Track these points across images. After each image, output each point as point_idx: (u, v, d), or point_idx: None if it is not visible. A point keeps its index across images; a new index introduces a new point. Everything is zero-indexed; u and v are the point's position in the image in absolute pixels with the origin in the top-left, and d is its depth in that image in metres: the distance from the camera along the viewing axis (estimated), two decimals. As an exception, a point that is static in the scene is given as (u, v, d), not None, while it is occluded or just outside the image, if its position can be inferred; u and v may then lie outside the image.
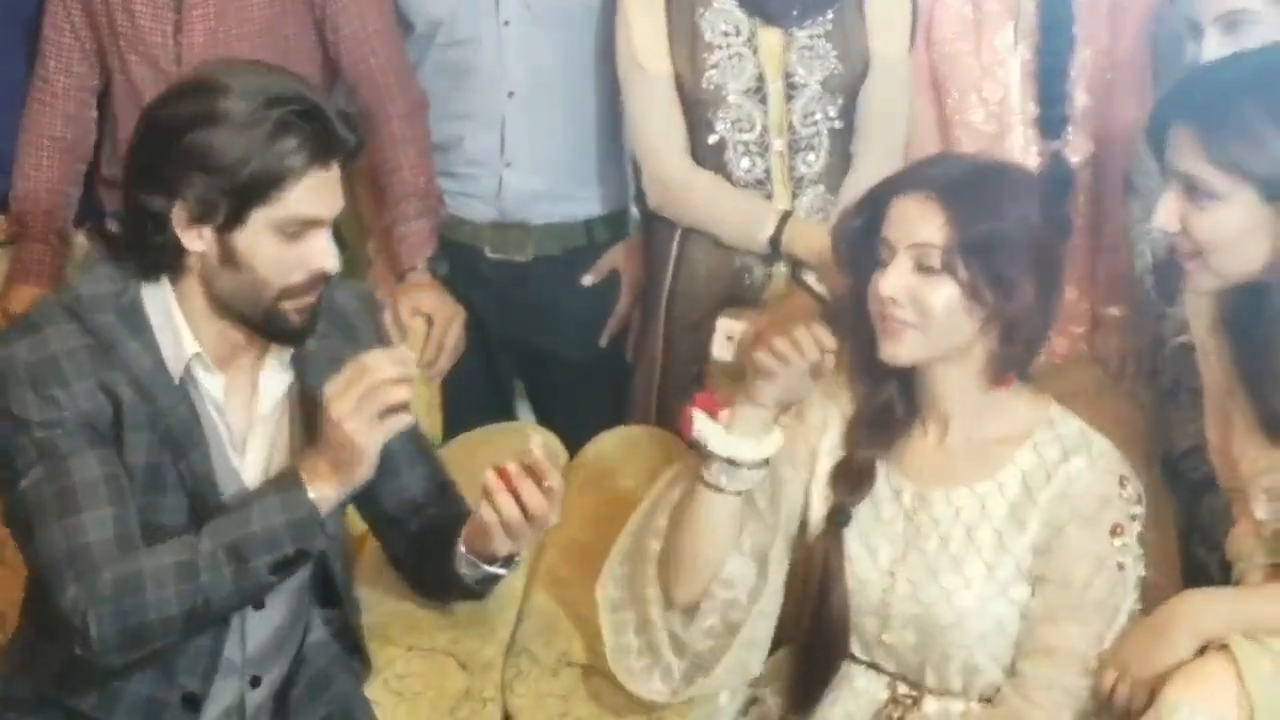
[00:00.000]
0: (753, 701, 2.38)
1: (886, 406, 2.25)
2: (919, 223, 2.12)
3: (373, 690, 2.35)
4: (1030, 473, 2.19)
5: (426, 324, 2.88)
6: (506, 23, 2.94)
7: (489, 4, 2.94)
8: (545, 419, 3.10)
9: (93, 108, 2.93)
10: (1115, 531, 2.16)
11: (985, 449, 2.23)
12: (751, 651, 2.28)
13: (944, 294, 2.11)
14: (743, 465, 2.19)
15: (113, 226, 2.16)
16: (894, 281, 2.12)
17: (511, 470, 2.06)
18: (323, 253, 2.08)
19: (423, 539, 2.24)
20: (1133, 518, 2.18)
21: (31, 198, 2.91)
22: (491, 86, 2.97)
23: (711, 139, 2.81)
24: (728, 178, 2.82)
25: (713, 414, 2.18)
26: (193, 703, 2.16)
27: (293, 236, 2.05)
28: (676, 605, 2.28)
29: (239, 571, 2.02)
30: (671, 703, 2.32)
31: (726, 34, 2.79)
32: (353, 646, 2.32)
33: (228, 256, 2.05)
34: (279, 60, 2.79)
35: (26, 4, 2.91)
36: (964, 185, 2.15)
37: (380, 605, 2.39)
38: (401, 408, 2.02)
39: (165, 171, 2.03)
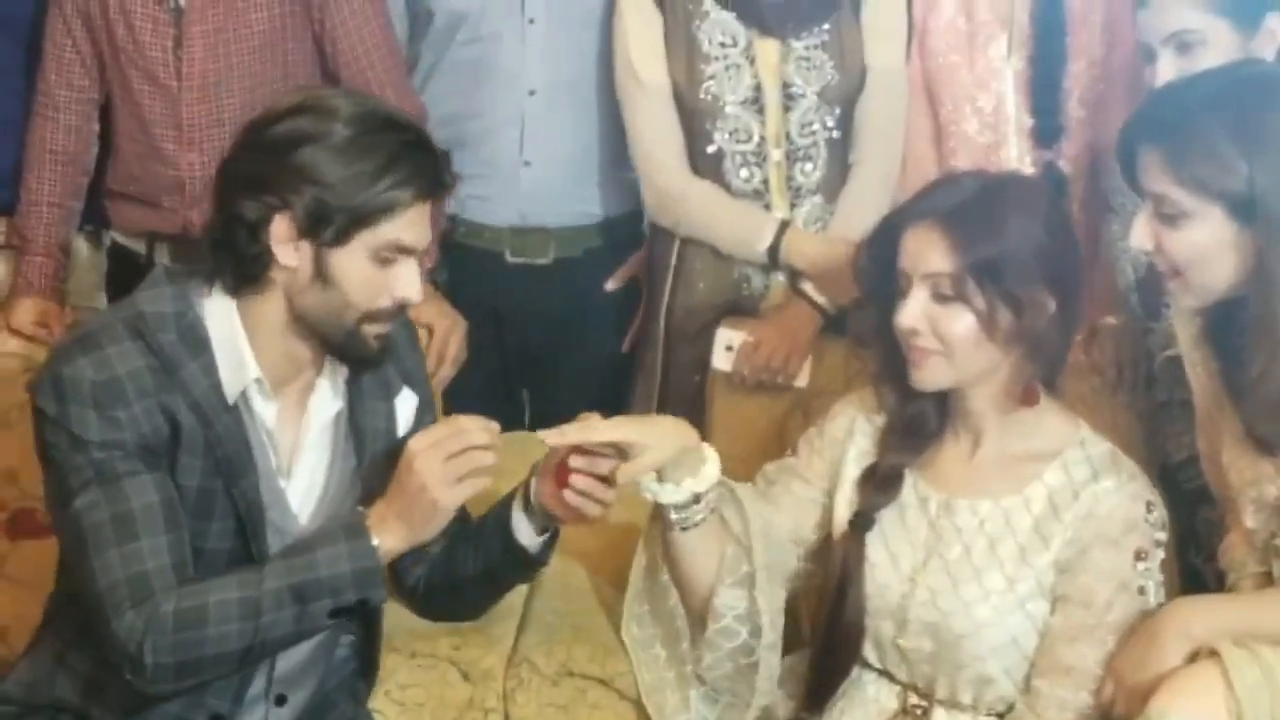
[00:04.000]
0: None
1: (919, 418, 2.27)
2: (928, 253, 2.14)
3: (375, 700, 2.36)
4: (1058, 490, 2.20)
5: (428, 334, 2.83)
6: (531, 20, 2.96)
7: (515, 3, 2.95)
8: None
9: (94, 121, 2.95)
10: (1139, 555, 2.16)
11: (1015, 464, 2.24)
12: (770, 684, 2.28)
13: (962, 322, 2.13)
14: (683, 505, 2.19)
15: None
16: (912, 313, 2.15)
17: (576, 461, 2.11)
18: (410, 282, 2.10)
19: (434, 567, 2.24)
20: (1157, 543, 2.19)
21: (34, 211, 2.93)
22: (512, 84, 2.98)
23: (710, 149, 2.84)
24: (726, 188, 2.85)
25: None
26: None
27: (385, 262, 2.07)
28: (696, 617, 2.29)
29: (300, 614, 2.03)
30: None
31: (724, 45, 2.82)
32: (368, 665, 2.32)
33: (320, 273, 2.06)
34: (279, 73, 2.89)
35: (26, 20, 2.93)
36: (965, 209, 2.16)
37: (385, 614, 2.35)
38: (484, 473, 2.05)
39: (273, 183, 2.04)
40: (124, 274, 2.97)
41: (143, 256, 2.97)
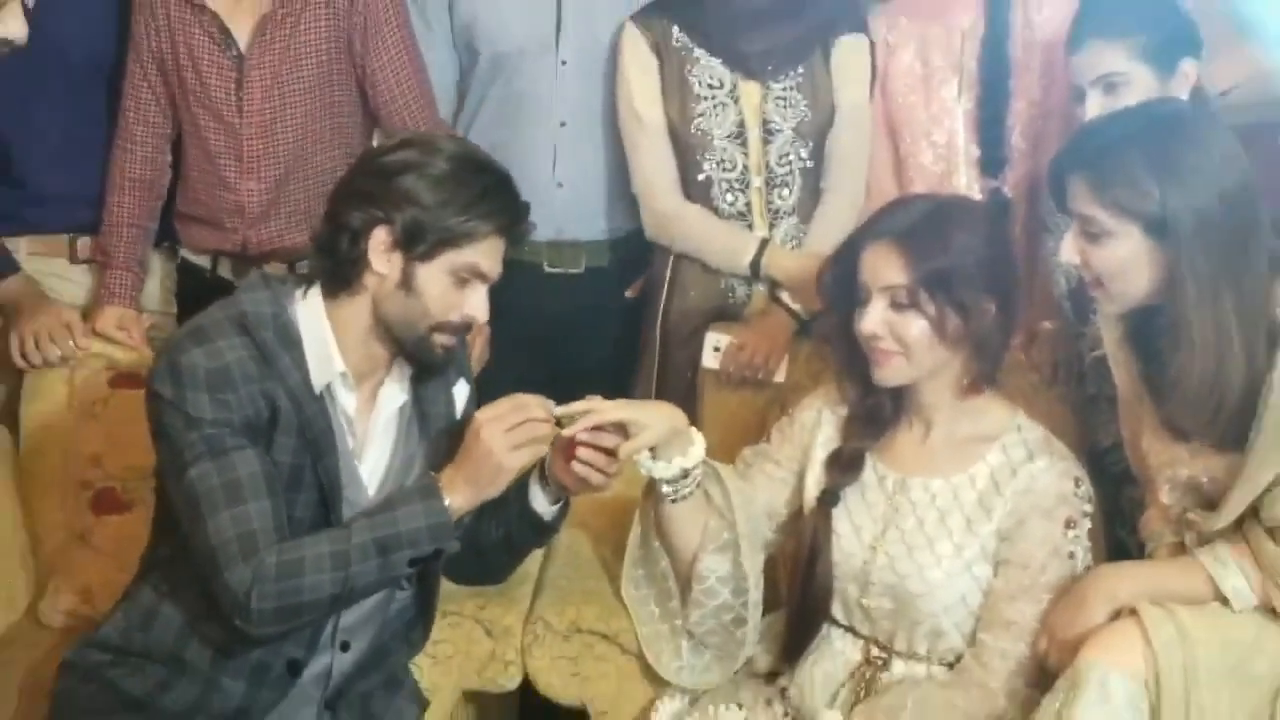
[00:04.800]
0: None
1: (877, 407, 2.27)
2: (885, 268, 2.15)
3: (410, 655, 2.38)
4: (998, 469, 2.21)
5: None
6: (564, 62, 2.95)
7: (550, 45, 2.94)
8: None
9: (167, 153, 2.94)
10: (1069, 525, 2.17)
11: (961, 446, 2.24)
12: (750, 638, 2.30)
13: (917, 326, 2.14)
14: (674, 480, 2.20)
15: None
16: (873, 320, 2.15)
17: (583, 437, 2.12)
18: (479, 305, 2.12)
19: (463, 537, 2.20)
20: (1084, 514, 2.19)
21: (115, 231, 2.93)
22: (546, 117, 2.97)
23: (700, 177, 2.84)
24: (714, 210, 2.85)
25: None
26: (294, 668, 2.17)
27: (461, 282, 2.09)
28: (684, 580, 2.30)
29: (383, 564, 2.04)
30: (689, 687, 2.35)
31: (712, 87, 2.82)
32: (424, 617, 2.33)
33: (406, 283, 2.08)
34: (326, 112, 2.90)
35: (109, 65, 2.93)
36: (917, 229, 2.16)
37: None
38: (541, 442, 2.08)
39: (379, 200, 2.07)
40: (191, 285, 2.99)
41: (207, 270, 2.98)
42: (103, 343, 2.82)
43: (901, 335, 2.16)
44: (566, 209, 2.98)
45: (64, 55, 2.83)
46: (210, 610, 2.10)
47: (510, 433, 2.05)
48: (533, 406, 2.08)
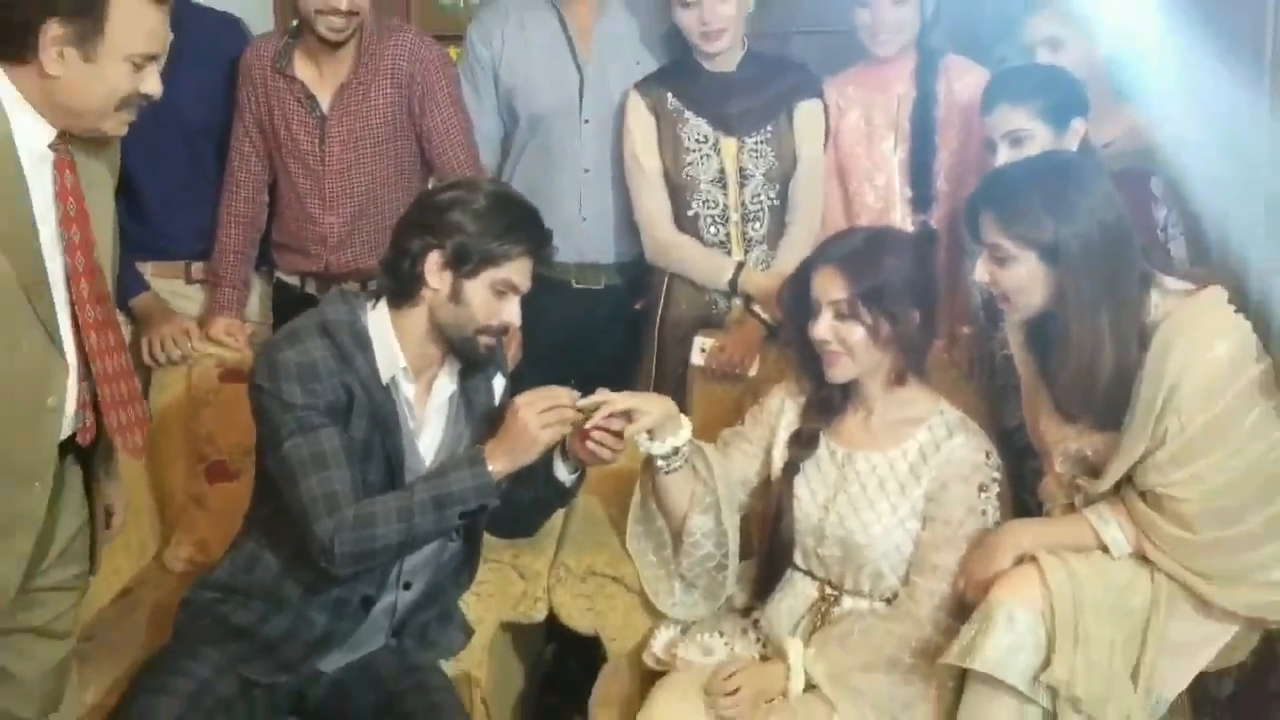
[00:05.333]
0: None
1: (828, 397, 2.27)
2: (830, 286, 2.16)
3: (460, 592, 2.38)
4: (925, 444, 2.21)
5: None
6: (587, 120, 2.94)
7: (574, 108, 2.93)
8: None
9: (264, 194, 2.94)
10: (981, 488, 2.18)
11: (896, 427, 2.23)
12: (731, 580, 2.31)
13: (857, 332, 2.15)
14: (667, 455, 2.22)
15: None
16: (822, 328, 2.16)
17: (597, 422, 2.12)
18: (514, 312, 2.12)
19: (502, 500, 2.19)
20: (994, 480, 2.19)
21: (223, 257, 2.93)
22: (573, 165, 2.95)
23: (689, 213, 2.84)
24: (700, 239, 2.84)
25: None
26: (367, 603, 2.18)
27: (499, 295, 2.10)
28: (676, 534, 2.30)
29: (439, 517, 2.05)
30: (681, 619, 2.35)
31: (698, 141, 2.82)
32: (470, 563, 2.32)
33: (455, 295, 2.09)
34: (392, 160, 2.89)
35: (218, 126, 2.92)
36: (855, 254, 2.17)
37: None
38: (565, 423, 2.09)
39: (433, 230, 2.08)
40: (284, 299, 2.99)
41: (297, 288, 2.98)
42: (214, 346, 2.83)
43: (845, 340, 2.16)
44: (590, 238, 2.96)
45: (182, 117, 2.82)
46: (300, 556, 2.11)
47: (542, 414, 2.06)
48: (561, 395, 2.10)
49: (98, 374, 1.96)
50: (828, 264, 2.18)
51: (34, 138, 1.86)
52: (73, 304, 1.92)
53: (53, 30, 1.80)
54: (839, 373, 2.20)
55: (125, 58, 1.85)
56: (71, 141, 1.93)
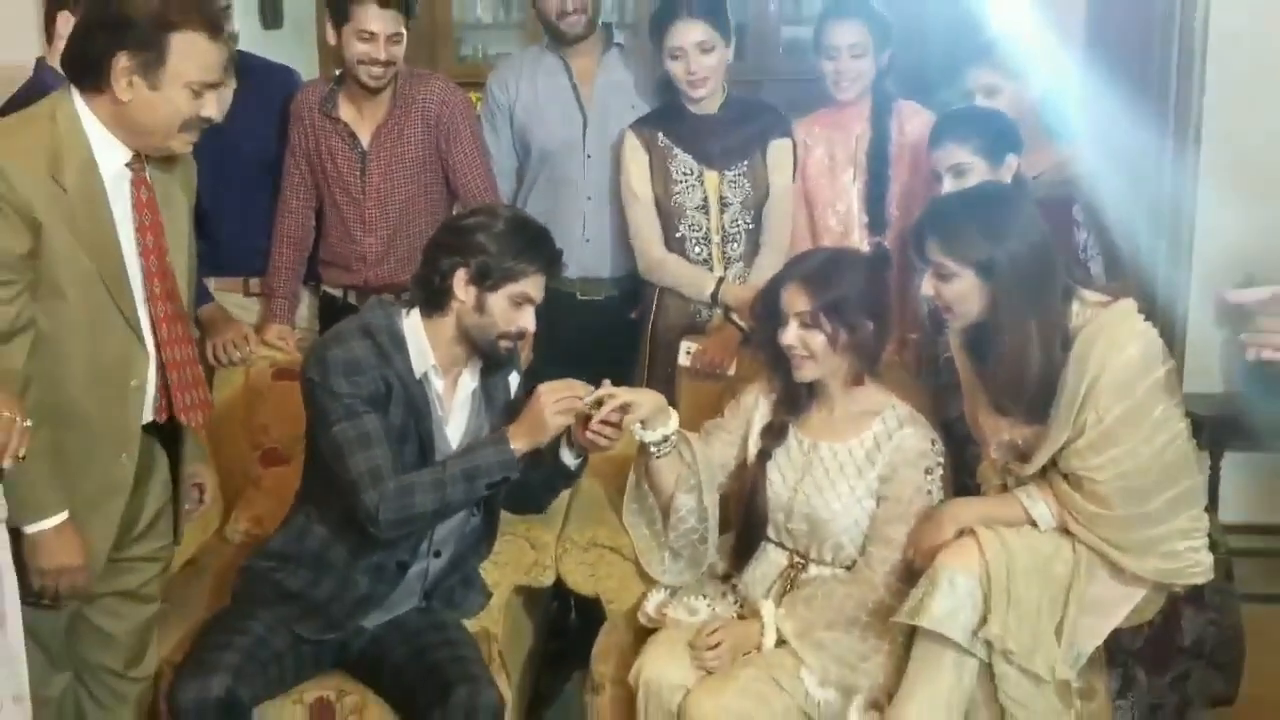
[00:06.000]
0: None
1: (795, 394, 2.27)
2: (796, 300, 2.17)
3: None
4: (879, 434, 2.21)
5: None
6: (589, 156, 2.93)
7: (578, 145, 2.93)
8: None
9: (312, 218, 2.94)
10: (928, 471, 2.19)
11: (853, 420, 2.23)
12: (711, 551, 2.31)
13: (819, 339, 2.16)
14: (658, 443, 2.22)
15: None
16: (790, 336, 2.17)
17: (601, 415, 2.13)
18: (529, 320, 2.13)
19: (517, 480, 2.20)
20: (939, 464, 2.20)
21: (277, 273, 2.94)
22: (577, 194, 2.94)
23: (677, 235, 2.83)
24: (686, 258, 2.83)
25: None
26: (402, 568, 2.18)
27: (517, 305, 2.11)
28: (664, 511, 2.29)
29: (469, 488, 2.07)
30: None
31: (685, 174, 2.81)
32: (489, 535, 2.32)
33: (479, 306, 2.10)
34: (422, 190, 2.88)
35: (273, 159, 2.93)
36: (818, 271, 2.19)
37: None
38: (574, 411, 2.10)
39: (459, 250, 2.09)
40: (329, 309, 2.99)
41: (340, 299, 2.97)
42: (268, 349, 2.84)
43: (809, 345, 2.17)
44: (592, 257, 2.96)
45: (240, 151, 2.83)
46: (345, 528, 2.12)
47: (557, 402, 2.07)
48: (577, 387, 2.11)
49: (168, 361, 2.01)
50: (793, 280, 2.19)
51: (112, 159, 1.93)
52: (148, 300, 1.97)
53: (122, 62, 1.86)
54: (804, 374, 2.20)
55: (185, 85, 1.89)
56: (152, 166, 1.99)
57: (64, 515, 1.92)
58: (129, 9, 1.86)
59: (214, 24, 1.90)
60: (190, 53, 1.88)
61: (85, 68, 1.90)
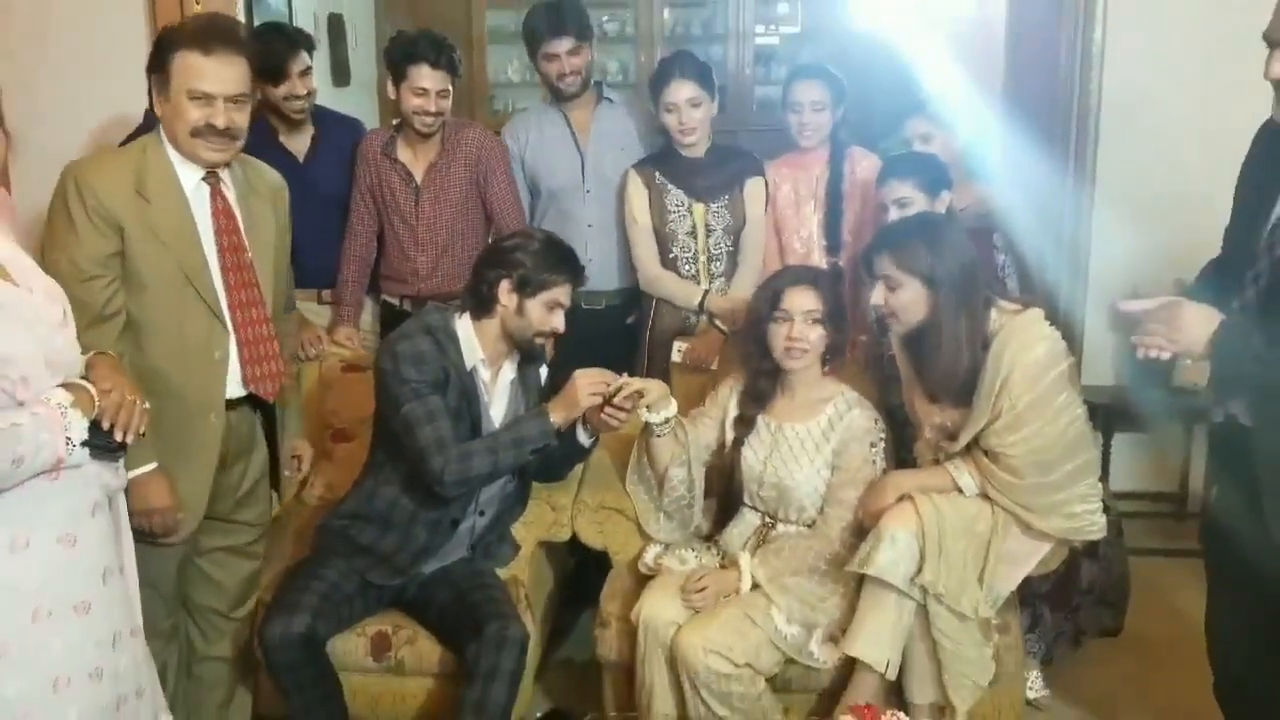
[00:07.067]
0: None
1: (764, 387, 2.26)
2: (805, 300, 2.16)
3: (510, 521, 2.36)
4: (833, 417, 2.20)
5: None
6: (588, 191, 2.90)
7: (579, 183, 2.90)
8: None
9: (374, 241, 2.91)
10: (873, 446, 2.18)
11: (812, 404, 2.22)
12: (698, 513, 2.31)
13: (816, 333, 2.16)
14: (660, 424, 2.21)
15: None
16: (796, 331, 2.16)
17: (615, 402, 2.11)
18: (560, 322, 2.12)
19: (546, 457, 2.20)
20: (882, 440, 2.19)
21: (344, 285, 2.92)
22: (580, 223, 2.90)
23: (670, 255, 2.81)
24: (678, 274, 2.81)
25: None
26: (454, 524, 2.17)
27: (550, 309, 2.11)
28: (660, 481, 2.28)
29: (517, 453, 2.06)
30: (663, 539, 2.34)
31: (678, 205, 2.80)
32: (523, 497, 2.31)
33: (519, 310, 2.10)
34: (464, 218, 2.85)
35: (343, 193, 2.90)
36: (821, 280, 2.21)
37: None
38: (601, 395, 2.08)
39: (503, 264, 2.09)
40: (389, 316, 2.96)
41: (397, 306, 2.94)
42: (337, 348, 2.83)
43: (810, 340, 2.17)
44: (594, 274, 2.84)
45: (316, 186, 2.82)
46: (408, 490, 2.11)
47: (590, 384, 2.07)
48: (607, 376, 2.10)
49: (243, 339, 2.00)
50: (802, 283, 2.18)
51: (190, 176, 1.96)
52: (226, 288, 1.98)
53: (154, 82, 1.92)
54: (799, 364, 2.19)
55: (186, 94, 1.89)
56: (246, 188, 2.03)
57: (153, 465, 1.92)
58: (157, 41, 1.94)
59: (204, 43, 1.86)
60: (185, 66, 1.87)
61: (152, 98, 1.96)
